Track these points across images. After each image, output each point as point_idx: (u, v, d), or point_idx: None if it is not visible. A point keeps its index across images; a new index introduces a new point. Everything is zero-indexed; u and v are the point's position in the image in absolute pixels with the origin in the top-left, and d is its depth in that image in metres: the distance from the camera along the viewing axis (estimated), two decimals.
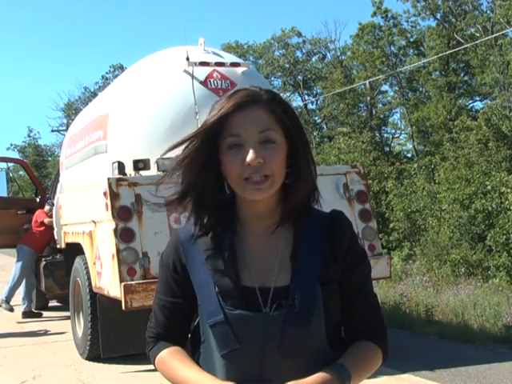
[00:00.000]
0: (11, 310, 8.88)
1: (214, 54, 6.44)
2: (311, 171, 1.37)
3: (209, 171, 1.33)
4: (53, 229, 8.37)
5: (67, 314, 7.57)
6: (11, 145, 50.42)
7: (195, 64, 5.98)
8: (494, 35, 19.46)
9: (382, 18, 24.61)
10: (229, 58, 6.65)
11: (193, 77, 5.92)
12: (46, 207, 9.00)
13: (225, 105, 1.31)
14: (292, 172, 1.33)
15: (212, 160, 1.32)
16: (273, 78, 29.97)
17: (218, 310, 1.32)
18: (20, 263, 8.96)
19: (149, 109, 5.91)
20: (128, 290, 4.95)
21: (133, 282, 5.00)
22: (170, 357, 1.40)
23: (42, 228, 8.90)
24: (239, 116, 1.30)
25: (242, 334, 1.31)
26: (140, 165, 5.56)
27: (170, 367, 1.38)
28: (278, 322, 1.30)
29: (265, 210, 1.36)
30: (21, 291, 9.13)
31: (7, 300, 8.92)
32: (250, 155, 1.27)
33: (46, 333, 7.94)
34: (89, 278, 5.98)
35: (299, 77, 29.86)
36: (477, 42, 20.02)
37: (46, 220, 8.72)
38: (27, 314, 8.99)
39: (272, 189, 1.31)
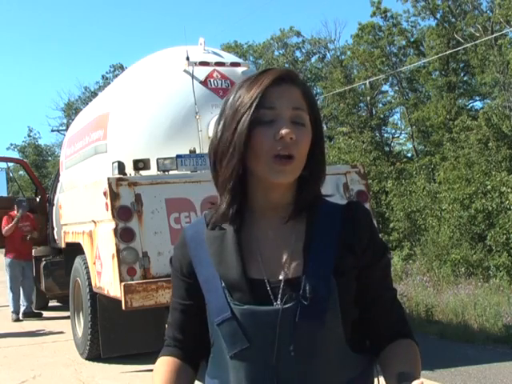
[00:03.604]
0: (18, 320, 8.99)
1: (214, 53, 6.44)
2: (324, 162, 1.33)
3: (242, 154, 1.24)
4: (23, 230, 8.59)
5: (67, 313, 7.56)
6: (11, 145, 50.54)
7: (195, 64, 5.98)
8: (494, 35, 19.46)
9: (382, 17, 24.63)
10: (229, 57, 6.65)
11: (193, 76, 5.92)
12: (19, 211, 9.01)
13: (263, 79, 1.25)
14: (309, 161, 1.27)
15: (246, 140, 1.24)
16: None
17: (224, 307, 1.24)
18: (8, 277, 9.22)
19: (149, 109, 5.91)
20: (128, 290, 4.95)
21: (133, 282, 5.00)
22: (160, 366, 1.35)
23: (8, 234, 8.97)
24: (276, 90, 1.24)
25: (252, 332, 1.22)
26: (140, 164, 5.56)
27: (154, 375, 1.34)
28: (290, 316, 1.20)
29: (281, 199, 1.29)
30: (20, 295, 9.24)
31: (15, 311, 9.09)
32: (285, 129, 1.21)
33: (45, 333, 7.94)
34: (89, 278, 5.98)
35: None
36: (477, 41, 20.01)
37: (4, 230, 8.83)
38: (27, 315, 9.05)
39: (295, 172, 1.25)
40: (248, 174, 1.27)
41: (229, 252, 1.27)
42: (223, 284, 1.26)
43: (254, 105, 1.23)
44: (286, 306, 1.21)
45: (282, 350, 1.21)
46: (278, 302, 1.22)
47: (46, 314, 9.35)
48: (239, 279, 1.25)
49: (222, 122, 1.29)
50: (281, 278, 1.25)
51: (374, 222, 1.35)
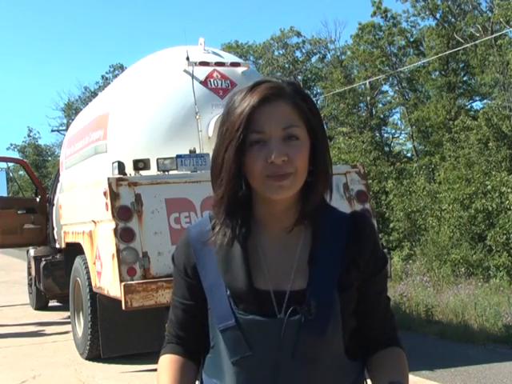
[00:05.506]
0: None
1: (214, 53, 6.44)
2: (330, 169, 1.32)
3: (239, 169, 1.25)
4: None
5: (67, 313, 7.57)
6: (11, 145, 50.61)
7: (195, 64, 5.98)
8: (494, 35, 19.45)
9: (382, 17, 24.61)
10: (229, 57, 6.66)
11: (193, 77, 5.92)
12: None
13: (249, 98, 1.24)
14: (313, 169, 1.27)
15: (240, 157, 1.24)
16: None
17: (229, 315, 1.26)
18: None
19: (149, 109, 5.91)
20: (128, 290, 4.95)
21: (133, 282, 5.00)
22: (164, 364, 1.36)
23: None
24: (264, 111, 1.23)
25: (255, 341, 1.25)
26: (140, 164, 5.56)
27: (159, 374, 1.36)
28: (293, 328, 1.24)
29: (284, 209, 1.29)
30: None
31: None
32: (275, 153, 1.21)
33: (45, 333, 7.94)
34: (89, 278, 5.98)
35: (299, 77, 29.85)
36: (476, 41, 20.00)
37: None
38: None
39: (294, 187, 1.25)
40: (251, 186, 1.27)
41: (236, 261, 1.29)
42: (228, 292, 1.28)
43: (241, 129, 1.22)
44: (290, 318, 1.24)
45: (283, 359, 1.25)
46: (282, 314, 1.25)
47: (45, 314, 9.36)
48: (246, 290, 1.27)
49: (218, 137, 1.29)
50: (286, 289, 1.27)
51: (377, 232, 1.36)
